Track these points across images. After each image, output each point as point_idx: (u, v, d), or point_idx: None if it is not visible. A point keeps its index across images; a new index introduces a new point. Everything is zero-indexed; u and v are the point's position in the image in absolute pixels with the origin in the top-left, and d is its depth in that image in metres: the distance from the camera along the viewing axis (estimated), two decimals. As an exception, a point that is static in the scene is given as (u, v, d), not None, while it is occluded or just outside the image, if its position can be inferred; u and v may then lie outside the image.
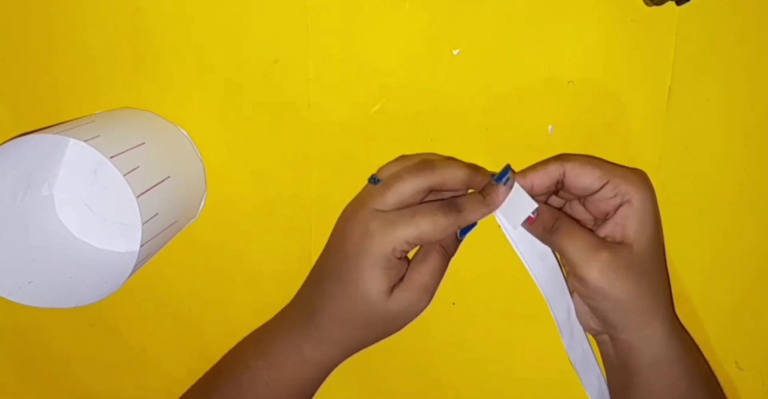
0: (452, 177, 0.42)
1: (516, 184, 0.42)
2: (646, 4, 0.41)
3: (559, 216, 0.42)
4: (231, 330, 0.49)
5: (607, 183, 0.41)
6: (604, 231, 0.41)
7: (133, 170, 0.39)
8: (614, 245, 0.41)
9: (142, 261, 0.41)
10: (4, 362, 0.56)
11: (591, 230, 0.42)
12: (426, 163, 0.42)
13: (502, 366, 0.50)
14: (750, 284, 0.46)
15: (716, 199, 0.45)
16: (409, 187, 0.41)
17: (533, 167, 0.42)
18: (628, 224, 0.41)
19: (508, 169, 0.43)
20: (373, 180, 0.43)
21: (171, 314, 0.52)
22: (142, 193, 0.39)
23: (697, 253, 0.46)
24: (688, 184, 0.45)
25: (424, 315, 0.49)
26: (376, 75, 0.45)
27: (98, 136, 0.39)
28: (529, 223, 0.42)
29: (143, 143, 0.42)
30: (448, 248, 0.43)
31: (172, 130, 0.47)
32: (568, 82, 0.44)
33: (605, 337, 0.43)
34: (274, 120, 0.47)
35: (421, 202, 0.42)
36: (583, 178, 0.41)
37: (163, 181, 0.42)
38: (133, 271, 0.40)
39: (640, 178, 0.42)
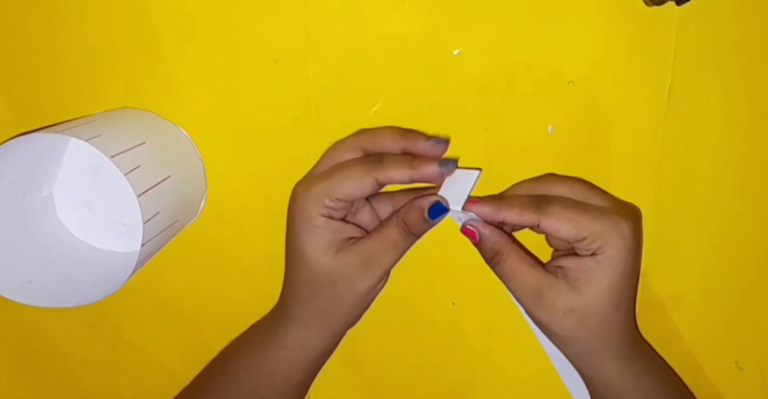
0: (384, 133, 0.41)
1: (459, 172, 0.41)
2: (646, 4, 0.41)
3: (500, 249, 0.40)
4: (230, 330, 0.49)
5: (583, 239, 0.39)
6: (564, 263, 0.40)
7: (133, 169, 0.39)
8: (557, 286, 0.39)
9: (143, 260, 0.41)
10: (4, 362, 0.55)
11: (537, 264, 0.40)
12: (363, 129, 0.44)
13: (501, 366, 0.50)
14: (750, 284, 0.46)
15: (716, 199, 0.45)
16: (341, 147, 0.42)
17: (509, 204, 0.40)
18: (585, 271, 0.39)
19: (455, 161, 0.40)
20: None
21: (171, 314, 0.52)
22: (143, 193, 0.39)
23: (697, 252, 0.46)
24: (688, 184, 0.45)
25: (424, 315, 0.49)
26: (376, 75, 0.45)
27: (99, 135, 0.39)
28: (475, 243, 0.41)
29: (144, 143, 0.42)
30: (411, 225, 0.41)
31: (172, 130, 0.47)
32: (568, 82, 0.44)
33: None
34: (274, 120, 0.47)
35: None
36: (557, 234, 0.39)
37: (164, 180, 0.42)
38: (134, 270, 0.40)
39: (619, 234, 0.38)
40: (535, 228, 0.40)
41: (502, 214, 0.40)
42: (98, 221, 0.48)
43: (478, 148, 0.46)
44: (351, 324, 0.44)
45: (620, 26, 0.42)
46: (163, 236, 0.42)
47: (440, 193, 0.41)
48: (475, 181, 0.41)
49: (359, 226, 0.43)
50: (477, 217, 0.41)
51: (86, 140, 0.38)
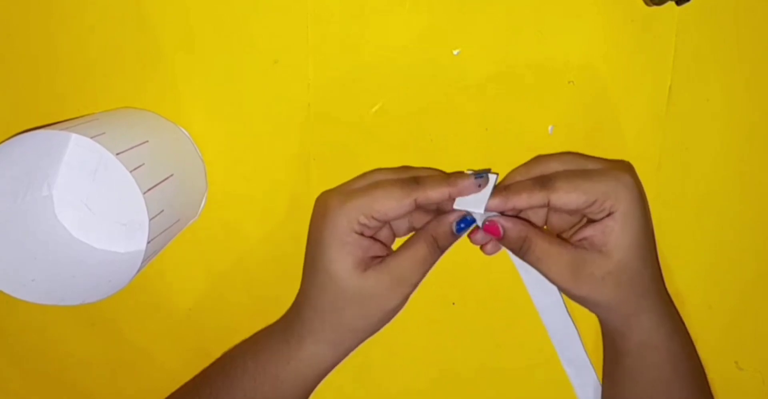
0: (430, 173, 0.42)
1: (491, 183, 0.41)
2: (646, 4, 0.41)
3: (527, 235, 0.41)
4: (230, 330, 0.49)
5: (594, 202, 0.40)
6: (586, 233, 0.41)
7: (138, 167, 0.39)
8: (590, 257, 0.40)
9: (147, 258, 0.40)
10: (4, 362, 0.55)
11: (564, 241, 0.41)
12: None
13: (502, 366, 0.50)
14: (750, 284, 0.46)
15: (716, 199, 0.45)
16: (381, 174, 0.43)
17: (517, 191, 0.40)
18: (608, 233, 0.40)
19: (488, 172, 0.42)
20: None
21: (171, 314, 0.52)
22: (147, 190, 0.39)
23: (697, 252, 0.46)
24: (688, 184, 0.45)
25: (424, 315, 0.49)
26: (376, 75, 0.45)
27: (103, 133, 0.39)
28: (498, 239, 0.41)
29: (146, 141, 0.42)
30: (439, 239, 0.42)
31: (173, 130, 0.47)
32: (568, 82, 0.44)
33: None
34: (273, 120, 0.47)
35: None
36: (569, 205, 0.40)
37: (167, 178, 0.42)
38: (141, 267, 0.40)
39: (625, 187, 0.40)
40: (542, 208, 0.41)
41: (512, 202, 0.40)
42: (98, 221, 0.48)
43: (478, 148, 0.46)
44: (367, 339, 0.44)
45: (620, 26, 0.42)
46: (166, 235, 0.42)
47: (458, 200, 0.41)
48: (494, 185, 0.41)
49: (384, 244, 0.44)
50: (495, 213, 0.41)
51: (90, 138, 0.38)
